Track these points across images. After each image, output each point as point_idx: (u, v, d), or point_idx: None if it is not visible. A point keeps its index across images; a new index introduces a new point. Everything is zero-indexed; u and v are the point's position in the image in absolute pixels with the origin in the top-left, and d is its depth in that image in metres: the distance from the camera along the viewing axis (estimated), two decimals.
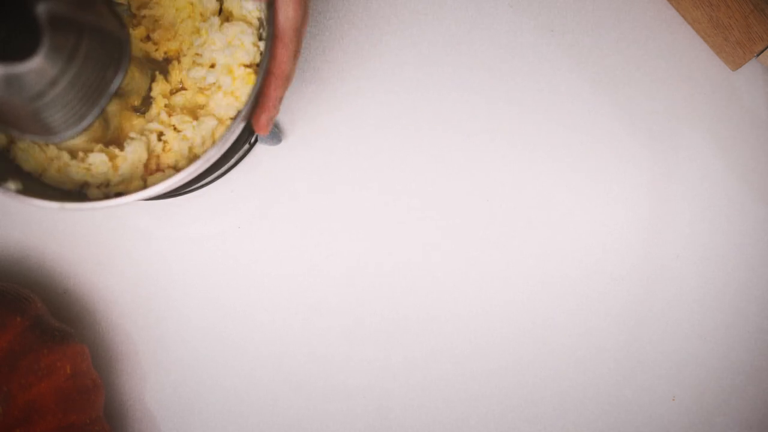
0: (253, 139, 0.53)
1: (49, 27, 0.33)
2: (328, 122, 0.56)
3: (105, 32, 0.37)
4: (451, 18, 0.56)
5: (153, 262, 0.55)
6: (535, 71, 0.56)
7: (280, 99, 0.43)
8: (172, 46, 0.47)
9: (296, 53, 0.43)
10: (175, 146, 0.46)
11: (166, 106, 0.46)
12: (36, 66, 0.33)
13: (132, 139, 0.45)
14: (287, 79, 0.43)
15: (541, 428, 0.56)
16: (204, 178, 0.52)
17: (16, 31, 0.35)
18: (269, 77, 0.42)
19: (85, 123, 0.39)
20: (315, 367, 0.55)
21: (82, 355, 0.50)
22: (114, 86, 0.39)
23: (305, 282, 0.55)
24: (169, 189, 0.43)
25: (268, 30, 0.41)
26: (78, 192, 0.46)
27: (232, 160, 0.54)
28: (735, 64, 0.54)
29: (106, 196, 0.43)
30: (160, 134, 0.46)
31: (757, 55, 0.53)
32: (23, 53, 0.33)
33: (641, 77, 0.56)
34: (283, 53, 0.42)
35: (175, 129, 0.46)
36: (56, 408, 0.47)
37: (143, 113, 0.47)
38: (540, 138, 0.56)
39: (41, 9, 0.33)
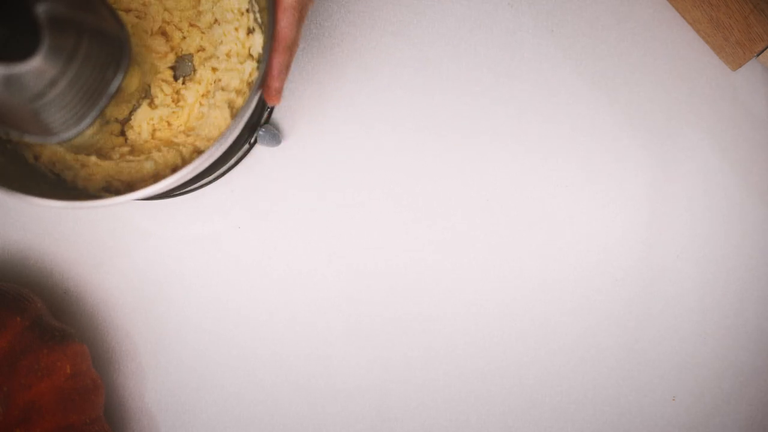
0: (252, 140, 0.53)
1: (48, 27, 0.33)
2: (327, 123, 0.56)
3: (105, 33, 0.37)
4: (451, 18, 0.56)
5: (153, 262, 0.55)
6: (535, 71, 0.56)
7: (287, 66, 0.42)
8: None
9: (300, 19, 0.42)
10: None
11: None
12: (36, 66, 0.33)
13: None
14: (292, 46, 0.42)
15: (541, 428, 0.56)
16: (204, 178, 0.52)
17: (16, 31, 0.35)
18: (273, 44, 0.41)
19: (84, 124, 0.39)
20: (315, 366, 0.55)
21: (82, 355, 0.50)
22: (114, 87, 0.39)
23: (305, 282, 0.55)
24: (168, 188, 0.43)
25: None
26: (79, 190, 0.46)
27: (232, 161, 0.54)
28: (735, 64, 0.54)
29: (107, 195, 0.44)
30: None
31: (757, 55, 0.53)
32: (23, 53, 0.33)
33: (641, 77, 0.56)
34: (284, 19, 0.41)
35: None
36: (56, 408, 0.47)
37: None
38: (540, 138, 0.56)
39: (41, 9, 0.33)
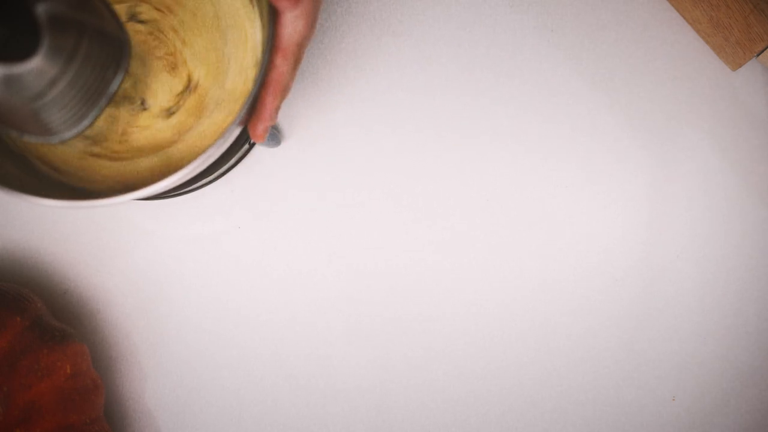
0: (252, 140, 0.53)
1: (48, 27, 0.33)
2: (327, 123, 0.56)
3: (105, 33, 0.37)
4: (451, 18, 0.56)
5: (153, 262, 0.55)
6: (535, 71, 0.56)
7: (277, 109, 0.42)
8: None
9: (296, 65, 0.42)
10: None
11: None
12: (36, 66, 0.33)
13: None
14: (285, 90, 0.42)
15: (541, 428, 0.56)
16: (203, 178, 0.52)
17: (16, 31, 0.35)
18: (267, 87, 0.41)
19: (84, 124, 0.39)
20: (315, 367, 0.55)
21: (82, 355, 0.50)
22: (114, 87, 0.39)
23: (305, 282, 0.55)
24: (168, 188, 0.43)
25: (269, 41, 0.40)
26: (79, 190, 0.46)
27: (232, 161, 0.54)
28: (735, 64, 0.54)
29: (106, 194, 0.44)
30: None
31: (757, 55, 0.53)
32: (23, 53, 0.33)
33: (641, 77, 0.56)
34: (283, 64, 0.41)
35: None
36: (56, 408, 0.47)
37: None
38: (540, 138, 0.56)
39: (41, 9, 0.33)
